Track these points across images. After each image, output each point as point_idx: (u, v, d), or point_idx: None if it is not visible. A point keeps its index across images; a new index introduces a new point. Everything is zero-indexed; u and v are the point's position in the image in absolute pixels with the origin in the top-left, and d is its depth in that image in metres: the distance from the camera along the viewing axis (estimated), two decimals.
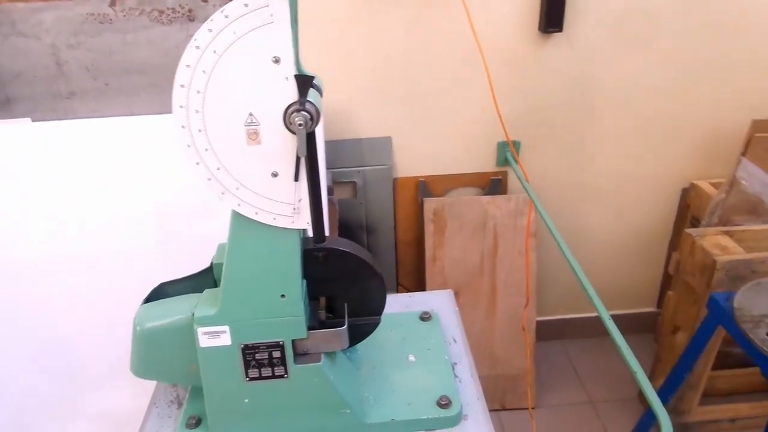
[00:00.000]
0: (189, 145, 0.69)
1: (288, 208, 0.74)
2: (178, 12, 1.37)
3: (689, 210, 1.78)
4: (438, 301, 1.18)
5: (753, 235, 1.47)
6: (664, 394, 1.24)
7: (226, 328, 0.80)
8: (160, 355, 0.86)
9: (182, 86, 0.66)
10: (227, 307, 0.79)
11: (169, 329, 0.84)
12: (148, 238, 1.42)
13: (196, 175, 0.71)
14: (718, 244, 1.40)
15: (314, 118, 0.68)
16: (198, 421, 0.87)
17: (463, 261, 1.64)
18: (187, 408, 0.90)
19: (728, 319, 1.02)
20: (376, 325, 0.93)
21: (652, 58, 1.63)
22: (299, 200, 0.74)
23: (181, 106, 0.67)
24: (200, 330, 0.79)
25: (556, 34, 1.51)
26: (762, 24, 1.63)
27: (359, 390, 0.91)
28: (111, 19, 1.36)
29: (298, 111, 0.67)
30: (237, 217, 0.74)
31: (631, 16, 1.56)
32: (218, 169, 0.71)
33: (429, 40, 1.55)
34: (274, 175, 0.72)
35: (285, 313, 0.80)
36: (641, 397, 1.77)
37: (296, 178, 0.72)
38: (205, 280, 0.97)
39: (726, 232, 1.45)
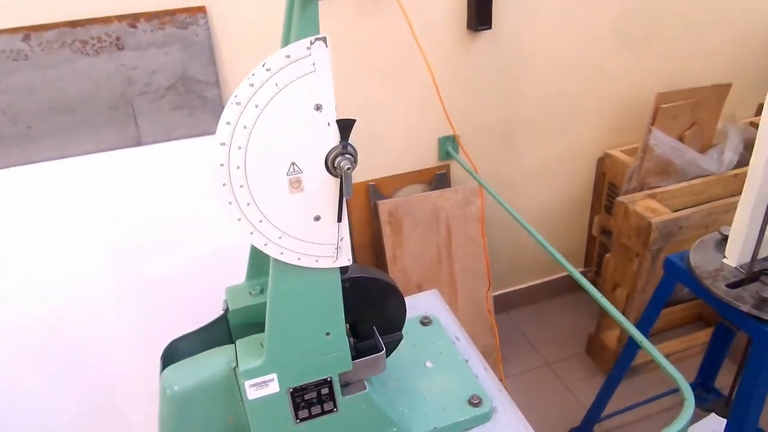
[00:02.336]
0: (230, 203, 0.67)
1: (330, 248, 0.74)
2: (105, 41, 1.25)
3: (605, 177, 1.96)
4: (428, 303, 1.23)
5: (671, 194, 1.67)
6: (630, 350, 1.39)
7: (273, 375, 0.78)
8: (195, 414, 0.83)
9: (223, 144, 0.64)
10: (273, 355, 0.77)
11: (205, 386, 0.81)
12: (103, 284, 1.33)
13: (237, 230, 0.69)
14: (648, 207, 1.57)
15: (356, 158, 0.69)
16: None
17: (422, 255, 1.70)
18: None
19: (686, 276, 1.16)
20: (400, 340, 0.95)
21: (567, 46, 1.77)
22: (341, 239, 0.74)
23: (221, 165, 0.65)
24: (248, 383, 0.78)
25: (484, 31, 1.59)
26: (662, 6, 1.82)
27: (395, 405, 0.94)
28: (26, 55, 1.21)
29: (342, 155, 0.68)
30: (278, 265, 0.73)
31: (547, 8, 1.69)
32: (260, 221, 0.69)
33: (366, 44, 1.56)
34: (317, 219, 0.71)
35: (331, 349, 0.80)
36: (589, 351, 1.96)
37: (339, 219, 0.73)
38: (219, 330, 0.93)
39: (650, 195, 1.64)
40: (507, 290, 2.14)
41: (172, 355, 0.89)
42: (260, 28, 1.44)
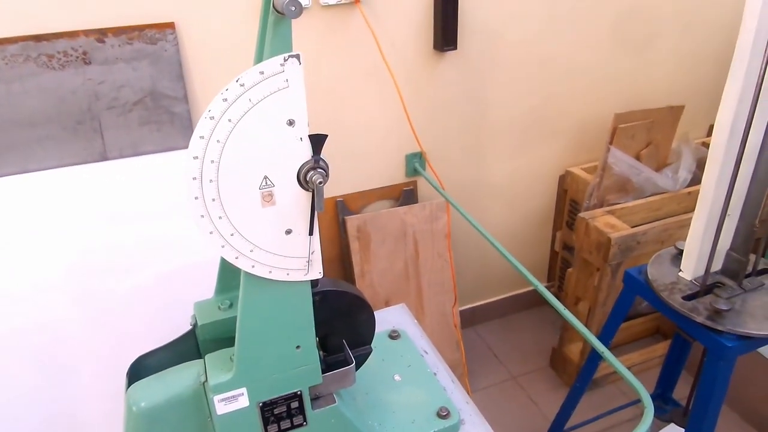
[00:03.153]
0: (203, 216, 0.68)
1: (301, 261, 0.75)
2: (71, 55, 1.24)
3: (567, 194, 2.02)
4: (396, 317, 1.24)
5: (629, 210, 1.74)
6: (592, 362, 1.43)
7: (243, 390, 0.78)
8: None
9: (196, 158, 0.65)
10: (243, 369, 0.77)
11: (173, 402, 0.80)
12: (66, 303, 1.30)
13: (209, 243, 0.69)
14: (607, 223, 1.63)
15: (328, 173, 0.70)
16: None
17: (390, 270, 1.71)
18: None
19: (645, 289, 1.21)
20: (369, 353, 0.96)
21: (530, 67, 1.83)
22: (312, 252, 0.75)
23: (194, 178, 0.65)
24: (217, 398, 0.77)
25: (450, 52, 1.63)
26: (617, 32, 1.90)
27: (364, 419, 0.95)
28: None
29: (314, 169, 0.69)
30: (249, 278, 0.73)
31: (511, 30, 1.75)
32: (232, 235, 0.70)
33: (335, 62, 1.58)
34: (288, 232, 0.72)
35: (301, 363, 0.81)
36: (552, 364, 1.99)
37: (311, 232, 0.74)
38: (187, 345, 0.93)
39: (609, 212, 1.69)
40: (473, 305, 2.17)
41: (138, 371, 0.88)
42: (229, 44, 1.45)
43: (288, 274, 0.75)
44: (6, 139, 1.24)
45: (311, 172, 0.69)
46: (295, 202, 0.71)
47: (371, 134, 1.70)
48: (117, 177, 1.32)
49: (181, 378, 0.81)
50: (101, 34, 1.28)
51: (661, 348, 1.99)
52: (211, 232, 0.69)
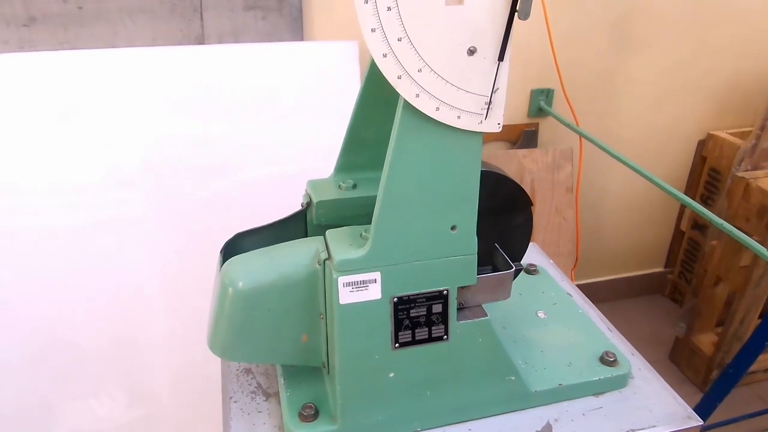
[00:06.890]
0: (367, 1, 0.48)
1: (479, 102, 0.55)
2: None
3: (706, 162, 1.74)
4: (529, 253, 1.02)
5: None
6: (759, 343, 1.16)
7: (377, 275, 0.59)
8: (262, 323, 0.63)
9: None
10: (381, 245, 0.58)
11: (281, 286, 0.62)
12: (141, 202, 1.15)
13: (370, 45, 0.50)
14: None
15: None
16: (316, 411, 0.65)
17: None
18: (291, 396, 0.67)
19: None
20: (519, 272, 0.75)
21: (684, 3, 1.56)
22: (496, 90, 0.55)
23: None
24: (342, 280, 0.58)
25: None
26: None
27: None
28: None
29: None
30: (407, 116, 0.53)
31: None
32: (399, 39, 0.50)
33: None
34: (471, 52, 0.52)
35: (454, 250, 0.61)
36: (673, 357, 1.72)
37: (501, 56, 0.53)
38: (293, 228, 0.74)
39: None
40: (577, 282, 1.91)
41: (235, 250, 0.70)
42: None
43: (459, 117, 0.55)
44: (96, 8, 1.10)
45: None
46: (489, 6, 0.51)
47: None
48: (213, 65, 1.16)
49: (293, 255, 0.63)
50: None
51: None
52: (373, 30, 0.49)
